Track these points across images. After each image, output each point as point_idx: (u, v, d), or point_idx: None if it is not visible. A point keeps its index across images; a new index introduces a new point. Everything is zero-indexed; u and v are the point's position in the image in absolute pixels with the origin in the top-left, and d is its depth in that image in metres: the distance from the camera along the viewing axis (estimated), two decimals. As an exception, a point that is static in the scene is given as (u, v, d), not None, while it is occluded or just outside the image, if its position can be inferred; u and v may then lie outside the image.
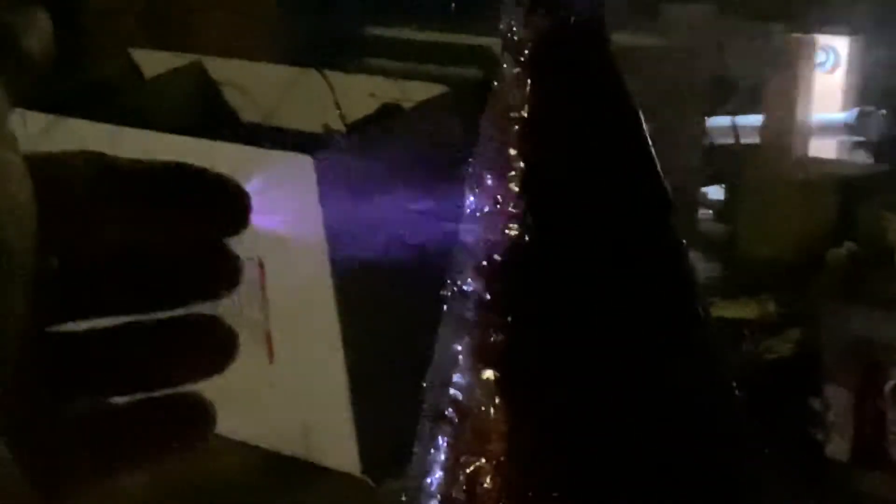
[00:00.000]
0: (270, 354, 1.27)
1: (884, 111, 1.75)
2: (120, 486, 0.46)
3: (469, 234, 0.61)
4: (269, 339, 1.26)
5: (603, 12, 0.60)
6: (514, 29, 0.59)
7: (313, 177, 1.17)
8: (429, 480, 0.61)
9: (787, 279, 1.33)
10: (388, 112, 1.32)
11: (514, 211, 0.58)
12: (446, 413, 0.61)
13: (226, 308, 1.31)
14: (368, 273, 1.21)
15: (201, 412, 0.47)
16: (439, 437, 0.61)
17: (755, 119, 1.82)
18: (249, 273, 1.24)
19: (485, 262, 0.59)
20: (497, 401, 0.58)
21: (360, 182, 1.22)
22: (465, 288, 0.60)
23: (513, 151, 0.58)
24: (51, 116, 1.32)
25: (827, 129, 1.80)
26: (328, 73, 1.40)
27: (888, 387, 1.09)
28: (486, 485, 0.59)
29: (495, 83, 0.60)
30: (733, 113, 1.84)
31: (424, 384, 0.64)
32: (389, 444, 1.20)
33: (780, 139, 1.76)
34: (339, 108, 1.37)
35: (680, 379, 0.60)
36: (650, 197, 0.61)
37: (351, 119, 1.36)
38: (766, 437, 0.67)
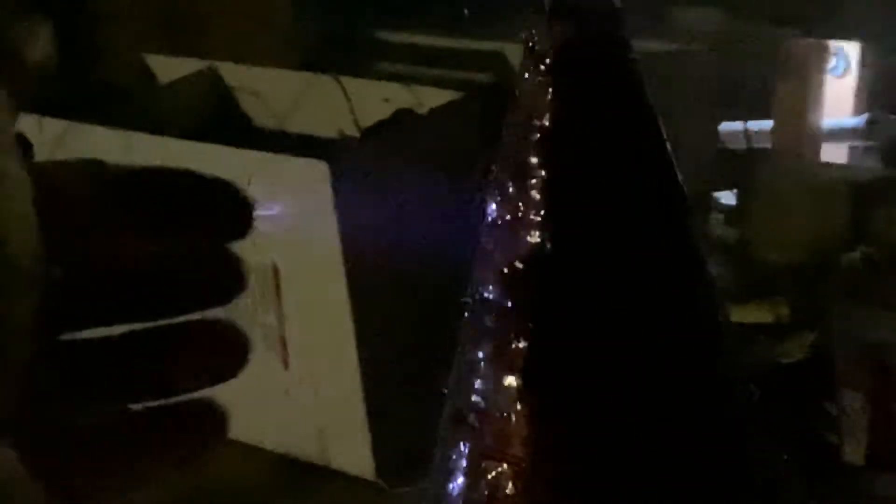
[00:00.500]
0: (285, 359, 1.27)
1: (895, 116, 1.75)
2: (134, 494, 0.46)
3: (490, 241, 0.61)
4: (283, 344, 1.27)
5: (624, 20, 0.60)
6: (535, 38, 0.59)
7: (328, 182, 1.18)
8: (450, 486, 0.62)
9: (800, 283, 1.34)
10: (402, 117, 1.33)
11: (535, 218, 0.58)
12: (468, 418, 0.61)
13: (240, 313, 1.31)
14: (383, 278, 1.22)
15: (214, 417, 0.47)
16: (461, 443, 0.62)
17: (766, 124, 1.82)
18: (264, 278, 1.25)
19: (506, 270, 0.59)
20: (518, 406, 0.59)
21: (375, 187, 1.22)
22: (486, 295, 0.61)
23: (534, 159, 0.58)
24: (66, 122, 1.33)
25: (838, 133, 1.80)
26: (342, 78, 1.40)
27: (902, 391, 1.09)
28: (507, 490, 0.59)
29: (516, 91, 0.60)
30: (745, 117, 1.85)
31: (445, 390, 0.64)
32: (404, 449, 1.21)
33: (792, 144, 1.77)
34: (353, 113, 1.38)
35: (700, 384, 0.61)
36: (670, 203, 0.61)
37: (365, 124, 1.36)
38: (781, 440, 0.68)
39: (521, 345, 0.59)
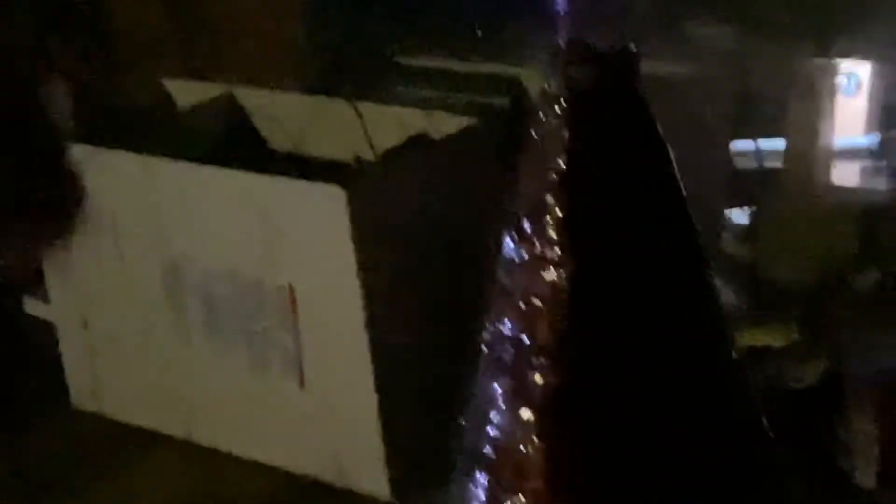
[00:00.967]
0: (302, 380, 1.29)
1: (907, 135, 1.76)
2: None
3: (508, 278, 0.63)
4: (300, 366, 1.28)
5: (637, 65, 0.62)
6: (551, 82, 0.61)
7: (344, 206, 1.19)
8: (468, 517, 0.63)
9: (811, 305, 1.35)
10: (418, 142, 1.34)
11: (552, 256, 0.60)
12: (485, 451, 0.63)
13: (258, 335, 1.33)
14: (399, 301, 1.23)
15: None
16: (477, 474, 0.63)
17: (779, 143, 1.83)
18: (281, 301, 1.27)
19: (524, 306, 0.61)
20: (535, 440, 0.60)
21: (390, 211, 1.24)
22: (503, 330, 0.62)
23: (550, 199, 0.60)
24: (88, 147, 1.34)
25: (850, 153, 1.81)
26: (358, 103, 1.42)
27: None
28: (524, 522, 0.61)
29: (532, 132, 0.62)
30: (757, 136, 1.85)
31: (462, 422, 0.66)
32: (418, 470, 1.22)
33: (804, 163, 1.78)
34: (368, 137, 1.39)
35: (714, 416, 0.62)
36: (683, 242, 0.63)
37: (381, 149, 1.38)
38: (794, 464, 0.69)
39: (538, 379, 0.61)
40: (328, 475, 1.30)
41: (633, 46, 0.62)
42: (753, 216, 1.68)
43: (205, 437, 1.37)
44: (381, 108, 1.43)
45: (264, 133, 1.52)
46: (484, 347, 0.64)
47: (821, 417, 1.14)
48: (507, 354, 0.61)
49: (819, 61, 1.83)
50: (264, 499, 1.33)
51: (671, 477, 0.59)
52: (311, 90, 1.51)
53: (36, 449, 1.39)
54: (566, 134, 0.59)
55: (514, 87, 1.44)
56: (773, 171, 1.81)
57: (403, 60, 1.60)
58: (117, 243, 1.37)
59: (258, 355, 1.30)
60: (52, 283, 1.45)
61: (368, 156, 1.40)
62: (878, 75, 1.83)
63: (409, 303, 1.24)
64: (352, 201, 1.19)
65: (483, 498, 0.61)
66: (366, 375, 1.24)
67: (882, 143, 1.77)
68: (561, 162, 0.59)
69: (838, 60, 1.82)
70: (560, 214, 0.59)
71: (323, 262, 1.24)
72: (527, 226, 0.60)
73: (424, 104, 1.42)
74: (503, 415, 0.61)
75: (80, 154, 1.35)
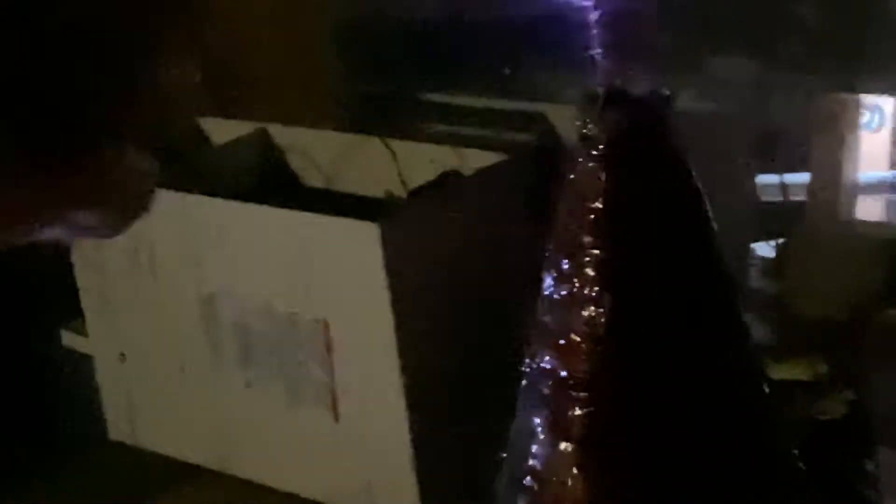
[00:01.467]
0: (336, 413, 1.31)
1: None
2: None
3: (547, 314, 0.65)
4: (334, 399, 1.30)
5: (670, 107, 0.64)
6: (588, 124, 0.64)
7: (377, 242, 1.22)
8: (509, 546, 0.65)
9: (838, 339, 1.36)
10: (449, 178, 1.36)
11: (589, 294, 0.62)
12: (525, 482, 0.65)
13: (293, 369, 1.36)
14: (432, 335, 1.25)
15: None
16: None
17: (803, 177, 1.85)
18: (315, 334, 1.29)
19: (562, 342, 0.63)
20: (574, 471, 0.63)
21: (423, 246, 1.26)
22: (543, 365, 0.65)
23: (588, 239, 0.62)
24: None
25: (873, 187, 1.83)
26: (389, 140, 1.44)
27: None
28: (564, 551, 0.63)
29: (569, 174, 0.64)
30: (782, 171, 1.87)
31: (504, 455, 0.68)
32: (451, 502, 1.24)
33: (827, 197, 1.79)
34: (400, 174, 1.42)
35: (747, 452, 0.64)
36: (716, 280, 0.65)
37: (412, 185, 1.40)
38: (821, 498, 0.71)
39: (577, 413, 0.63)
40: (361, 507, 1.32)
41: (665, 90, 0.64)
42: (779, 250, 1.69)
43: (240, 468, 1.40)
44: (412, 144, 1.45)
45: (298, 169, 1.55)
46: (524, 382, 0.66)
47: (848, 450, 1.15)
48: (547, 388, 0.64)
49: (842, 96, 1.85)
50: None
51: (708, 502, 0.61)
52: (343, 127, 1.53)
53: (73, 481, 1.42)
54: (603, 176, 0.61)
55: (541, 124, 1.46)
56: (798, 205, 1.83)
57: (433, 98, 1.62)
58: (155, 278, 1.40)
59: (293, 388, 1.32)
60: (89, 316, 1.48)
61: (400, 192, 1.43)
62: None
63: (443, 336, 1.26)
64: (385, 236, 1.21)
65: (524, 527, 0.63)
66: (399, 409, 1.26)
67: (905, 177, 1.79)
68: (598, 203, 0.61)
69: (862, 96, 1.83)
70: (597, 253, 0.61)
71: (357, 296, 1.26)
72: (565, 265, 0.62)
73: (455, 141, 1.45)
74: (543, 446, 0.63)
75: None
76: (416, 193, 1.36)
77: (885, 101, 1.85)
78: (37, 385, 1.50)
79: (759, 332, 1.40)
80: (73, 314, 1.49)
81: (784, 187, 1.89)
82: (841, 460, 1.14)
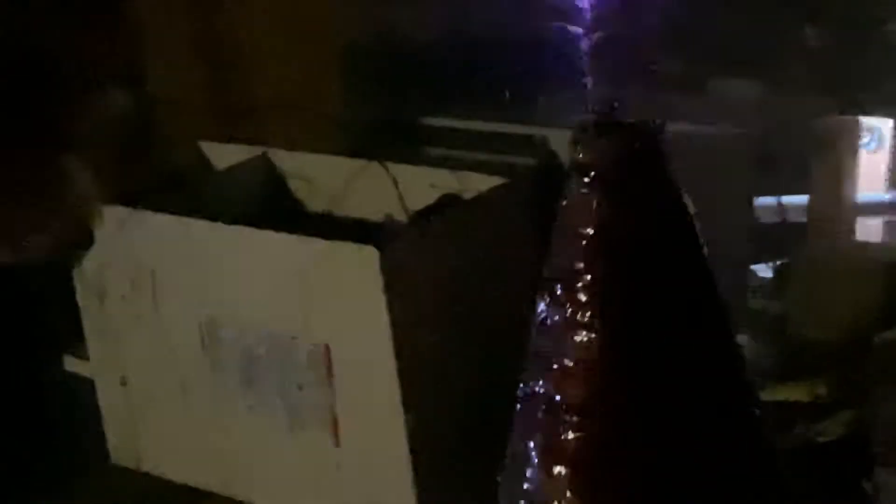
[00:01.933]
0: (337, 438, 1.31)
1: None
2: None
3: (541, 339, 0.66)
4: (335, 423, 1.31)
5: (661, 134, 0.65)
6: (581, 152, 0.64)
7: (377, 266, 1.22)
8: (505, 569, 0.66)
9: (837, 361, 1.36)
10: (449, 202, 1.37)
11: (582, 320, 0.63)
12: (520, 505, 0.66)
13: (294, 393, 1.36)
14: (432, 358, 1.26)
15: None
16: (514, 528, 0.66)
17: (802, 198, 1.86)
18: (316, 359, 1.29)
19: (555, 366, 0.64)
20: (568, 495, 0.63)
21: (423, 270, 1.27)
22: (536, 389, 0.65)
23: (581, 265, 0.63)
24: (127, 209, 1.38)
25: (872, 208, 1.83)
26: (389, 164, 1.45)
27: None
28: (559, 574, 0.64)
29: (563, 201, 0.65)
30: (781, 192, 1.88)
31: (499, 478, 0.69)
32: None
33: (827, 218, 1.80)
34: (401, 198, 1.43)
35: (737, 476, 0.65)
36: (708, 305, 0.66)
37: (412, 209, 1.41)
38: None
39: (570, 437, 0.63)
40: (362, 530, 1.32)
41: (657, 118, 0.65)
42: (778, 272, 1.70)
43: (242, 492, 1.40)
44: (412, 168, 1.46)
45: (299, 194, 1.55)
46: (518, 406, 0.67)
47: (846, 471, 1.15)
48: (540, 413, 0.64)
49: (841, 118, 1.86)
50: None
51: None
52: (344, 152, 1.54)
53: (76, 505, 1.42)
54: (595, 203, 0.62)
55: (541, 148, 1.47)
56: (798, 226, 1.84)
57: (434, 122, 1.63)
58: (156, 302, 1.40)
59: (294, 412, 1.33)
60: (91, 341, 1.49)
61: (401, 216, 1.44)
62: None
63: (443, 360, 1.27)
64: (385, 261, 1.22)
65: (519, 551, 0.63)
66: (400, 433, 1.26)
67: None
68: (590, 229, 0.62)
69: (860, 117, 1.84)
70: (590, 279, 0.62)
71: (357, 320, 1.26)
72: (559, 291, 0.63)
73: (455, 165, 1.45)
74: (537, 470, 0.64)
75: (121, 216, 1.39)
76: (416, 217, 1.36)
77: (883, 123, 1.86)
78: (39, 410, 1.51)
79: (759, 353, 1.41)
80: (74, 339, 1.49)
81: (783, 208, 1.89)
82: (840, 481, 1.14)
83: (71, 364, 1.53)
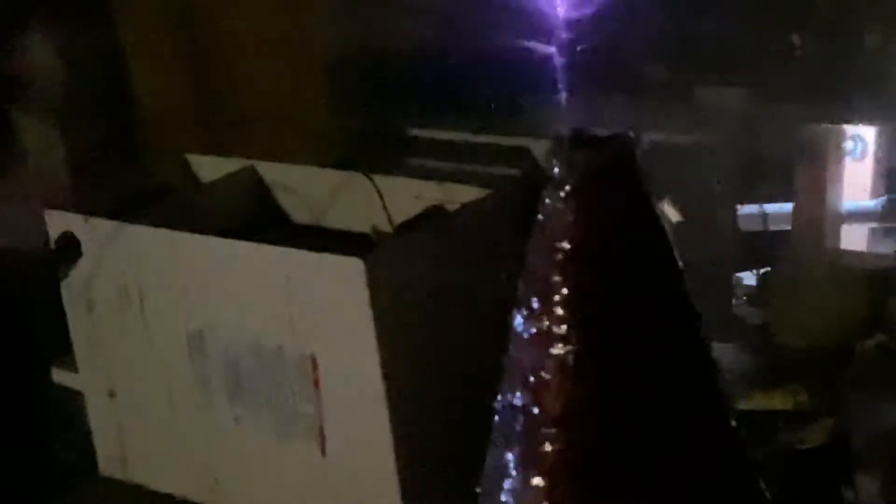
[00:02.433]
0: (323, 448, 1.32)
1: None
2: None
3: (518, 352, 0.67)
4: (321, 434, 1.31)
5: (635, 148, 0.66)
6: (556, 166, 0.65)
7: (363, 277, 1.23)
8: (484, 579, 0.67)
9: (819, 369, 1.37)
10: (434, 213, 1.38)
11: (559, 332, 0.64)
12: (499, 516, 0.67)
13: (280, 404, 1.37)
14: (417, 369, 1.27)
15: None
16: (493, 539, 0.67)
17: (786, 207, 1.86)
18: (303, 370, 1.30)
19: (532, 379, 0.65)
20: (546, 505, 0.64)
21: (409, 281, 1.27)
22: (514, 402, 0.66)
23: (557, 278, 0.64)
24: (115, 222, 1.39)
25: (856, 216, 1.84)
26: (375, 176, 1.46)
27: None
28: (537, 583, 0.64)
29: (539, 216, 0.66)
30: (764, 200, 1.89)
31: (478, 490, 0.70)
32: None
33: (811, 227, 1.81)
34: (386, 209, 1.44)
35: (714, 484, 0.66)
36: (682, 317, 0.67)
37: (398, 220, 1.42)
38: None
39: (548, 448, 0.64)
40: (349, 540, 1.33)
41: (633, 130, 0.66)
42: (762, 280, 1.71)
43: (229, 502, 1.41)
44: (397, 180, 1.47)
45: (285, 206, 1.56)
46: (496, 418, 0.68)
47: (827, 479, 1.16)
48: (518, 425, 0.65)
49: (826, 126, 1.87)
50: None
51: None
52: (330, 164, 1.55)
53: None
54: (571, 216, 0.63)
55: (525, 159, 1.48)
56: (781, 234, 1.85)
57: (419, 134, 1.64)
58: (143, 315, 1.41)
59: (281, 423, 1.33)
60: (79, 353, 1.49)
61: (386, 227, 1.44)
62: (884, 140, 1.87)
63: (429, 371, 1.28)
64: (370, 272, 1.23)
65: (498, 561, 0.64)
66: (386, 443, 1.27)
67: (888, 206, 1.80)
68: (566, 243, 0.63)
69: (845, 125, 1.85)
70: (566, 292, 0.63)
71: (343, 331, 1.27)
72: (535, 303, 0.64)
73: (440, 176, 1.46)
74: (516, 482, 0.65)
75: (108, 228, 1.40)
76: (401, 229, 1.37)
77: (867, 131, 1.86)
78: (28, 421, 1.51)
79: (741, 361, 1.42)
80: (63, 351, 1.50)
81: (767, 217, 1.90)
82: (820, 488, 1.15)
83: (59, 376, 1.53)
